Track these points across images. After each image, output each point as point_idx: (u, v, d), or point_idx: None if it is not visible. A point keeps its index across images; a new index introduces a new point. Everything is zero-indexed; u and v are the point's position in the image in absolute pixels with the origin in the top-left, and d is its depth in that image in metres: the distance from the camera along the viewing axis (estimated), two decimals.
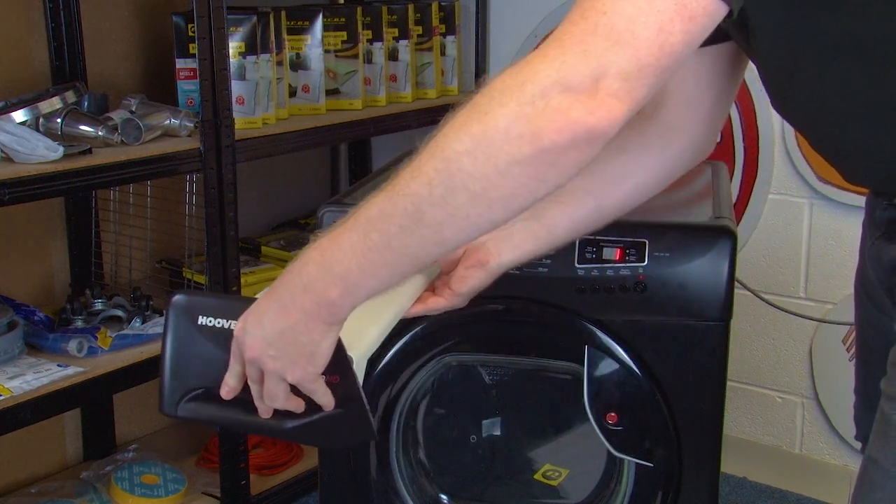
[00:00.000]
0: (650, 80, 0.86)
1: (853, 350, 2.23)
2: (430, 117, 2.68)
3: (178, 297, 1.08)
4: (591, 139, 0.86)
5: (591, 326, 1.58)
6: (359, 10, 2.49)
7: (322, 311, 0.96)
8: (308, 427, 1.05)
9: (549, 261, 1.57)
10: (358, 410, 1.05)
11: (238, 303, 1.04)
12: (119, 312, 2.16)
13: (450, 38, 2.75)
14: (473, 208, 0.89)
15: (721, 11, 0.89)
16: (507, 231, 1.29)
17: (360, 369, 1.08)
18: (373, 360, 1.64)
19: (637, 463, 1.61)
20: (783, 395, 2.54)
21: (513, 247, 1.30)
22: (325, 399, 1.04)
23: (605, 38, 0.84)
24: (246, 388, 1.04)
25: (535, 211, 1.27)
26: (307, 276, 0.95)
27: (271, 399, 1.02)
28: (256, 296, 1.05)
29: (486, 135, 0.86)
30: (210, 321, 1.05)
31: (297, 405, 1.04)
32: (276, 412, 1.04)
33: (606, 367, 1.58)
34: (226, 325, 1.04)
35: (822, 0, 1.00)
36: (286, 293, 0.97)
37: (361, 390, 1.05)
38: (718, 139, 1.35)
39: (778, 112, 1.18)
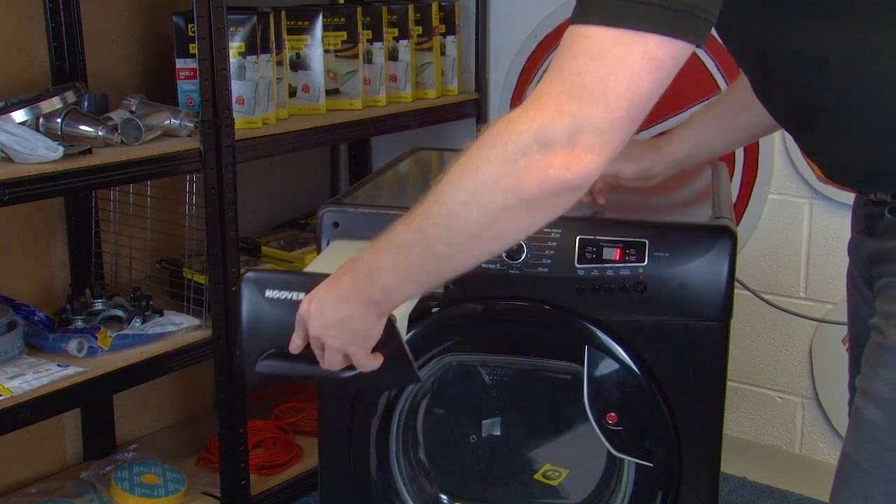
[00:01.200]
0: (623, 129, 0.95)
1: None
2: (430, 117, 2.68)
3: (248, 275, 1.31)
4: (570, 190, 0.97)
5: (591, 326, 1.58)
6: (359, 10, 2.49)
7: (372, 307, 1.16)
8: (361, 376, 1.25)
9: (549, 261, 1.57)
10: (403, 361, 1.26)
11: (298, 278, 1.30)
12: (119, 312, 2.16)
13: (450, 38, 2.75)
14: (475, 245, 1.04)
15: (689, 50, 0.96)
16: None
17: (402, 325, 1.28)
18: None
19: (637, 463, 1.61)
20: (783, 395, 2.54)
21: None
22: (373, 366, 1.23)
23: (578, 98, 0.93)
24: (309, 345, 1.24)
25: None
26: (359, 281, 1.14)
27: (331, 365, 1.22)
28: (307, 269, 1.37)
29: (478, 189, 0.99)
30: (276, 294, 1.29)
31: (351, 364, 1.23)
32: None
33: (606, 367, 1.58)
34: (290, 297, 1.28)
35: (785, 13, 1.06)
36: (342, 291, 1.16)
37: (405, 345, 1.26)
38: None
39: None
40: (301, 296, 1.24)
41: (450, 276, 1.10)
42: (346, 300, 1.15)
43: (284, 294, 1.28)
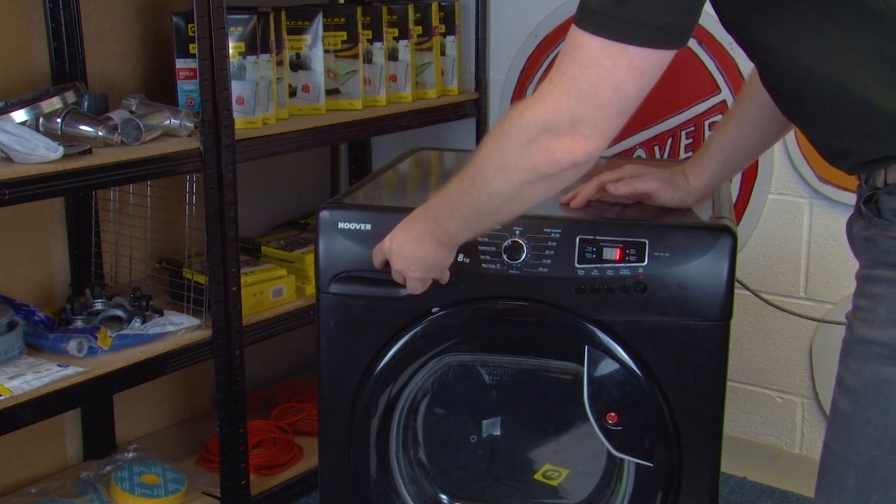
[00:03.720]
0: (615, 120, 1.13)
1: None
2: (430, 117, 2.68)
3: (323, 213, 1.65)
4: (576, 166, 1.17)
5: (591, 326, 1.58)
6: (359, 10, 2.49)
7: (443, 245, 1.44)
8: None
9: (548, 261, 1.57)
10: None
11: (366, 213, 1.63)
12: (119, 312, 2.16)
13: (450, 38, 2.75)
14: (511, 205, 1.28)
15: (671, 55, 1.10)
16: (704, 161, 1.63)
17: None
18: (373, 360, 1.66)
19: (637, 463, 1.61)
20: (783, 395, 2.54)
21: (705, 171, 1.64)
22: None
23: (575, 98, 1.12)
24: (375, 270, 1.56)
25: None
26: (430, 224, 1.42)
27: (413, 290, 1.54)
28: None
29: (503, 167, 1.22)
30: (347, 225, 1.63)
31: None
32: (393, 283, 1.55)
33: (606, 367, 1.58)
34: (359, 227, 1.63)
35: (752, 22, 1.16)
36: (417, 233, 1.44)
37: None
38: None
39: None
40: (368, 226, 1.61)
41: (498, 223, 1.44)
42: (422, 240, 1.44)
43: (354, 225, 1.63)
